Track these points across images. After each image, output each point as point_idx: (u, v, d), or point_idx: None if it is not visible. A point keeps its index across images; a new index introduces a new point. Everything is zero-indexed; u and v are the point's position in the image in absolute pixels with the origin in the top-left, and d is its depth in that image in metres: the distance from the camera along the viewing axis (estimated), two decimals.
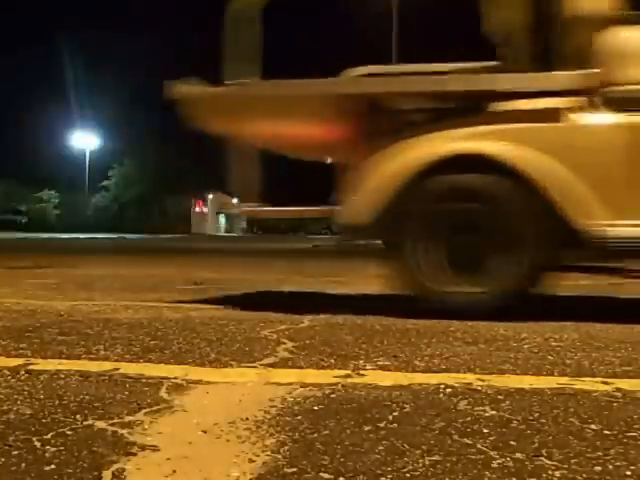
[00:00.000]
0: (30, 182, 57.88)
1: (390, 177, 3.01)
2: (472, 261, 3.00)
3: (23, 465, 1.08)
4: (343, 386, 1.64)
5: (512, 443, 1.20)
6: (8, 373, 1.75)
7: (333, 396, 1.54)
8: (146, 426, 1.29)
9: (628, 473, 1.06)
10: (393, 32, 17.61)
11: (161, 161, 60.27)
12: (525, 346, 2.23)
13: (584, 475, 1.05)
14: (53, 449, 1.15)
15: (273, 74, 3.39)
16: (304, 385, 1.64)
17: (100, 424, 1.30)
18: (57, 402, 1.46)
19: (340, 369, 1.83)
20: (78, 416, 1.35)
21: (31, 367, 1.82)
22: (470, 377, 1.73)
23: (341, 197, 3.23)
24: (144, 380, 1.67)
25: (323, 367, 1.86)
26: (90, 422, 1.31)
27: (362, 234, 3.31)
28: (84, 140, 53.61)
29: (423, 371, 1.82)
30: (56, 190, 60.62)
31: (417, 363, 1.92)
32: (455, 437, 1.24)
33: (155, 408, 1.42)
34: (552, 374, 1.80)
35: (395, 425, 1.31)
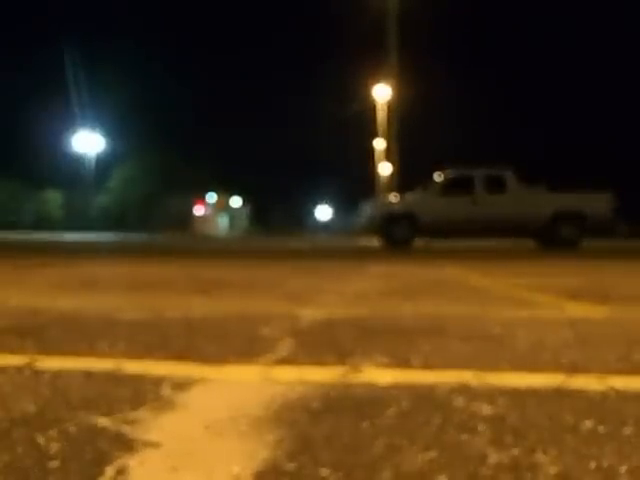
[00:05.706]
0: (34, 182, 58.04)
1: None
2: None
3: (27, 461, 1.10)
4: (342, 383, 1.66)
5: (508, 439, 1.22)
6: (13, 371, 1.77)
7: (332, 393, 1.55)
8: (148, 423, 1.31)
9: (622, 469, 1.08)
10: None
11: (163, 162, 60.45)
12: (520, 344, 2.24)
13: (579, 471, 1.07)
14: (57, 445, 1.17)
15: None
16: (304, 382, 1.65)
17: (103, 421, 1.32)
18: (61, 399, 1.48)
19: (339, 366, 1.85)
20: (81, 413, 1.37)
21: (35, 365, 1.84)
22: (466, 374, 1.75)
23: None
24: (146, 378, 1.69)
25: (322, 365, 1.88)
26: (93, 419, 1.33)
27: None
28: (88, 141, 53.62)
29: (420, 368, 1.84)
30: (60, 190, 60.78)
31: (414, 361, 1.94)
32: (452, 433, 1.26)
33: (157, 405, 1.44)
34: (547, 371, 1.81)
35: (393, 421, 1.33)
